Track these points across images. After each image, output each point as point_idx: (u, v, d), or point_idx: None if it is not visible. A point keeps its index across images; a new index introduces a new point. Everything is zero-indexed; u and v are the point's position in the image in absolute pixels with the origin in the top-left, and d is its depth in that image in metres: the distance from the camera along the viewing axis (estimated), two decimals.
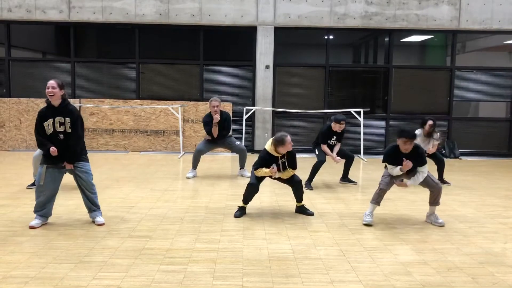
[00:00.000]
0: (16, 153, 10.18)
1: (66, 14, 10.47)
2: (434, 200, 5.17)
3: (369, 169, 9.04)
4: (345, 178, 7.40)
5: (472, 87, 11.19)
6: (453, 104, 11.10)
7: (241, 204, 5.40)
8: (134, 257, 3.95)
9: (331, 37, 11.06)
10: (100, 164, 8.68)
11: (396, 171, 5.10)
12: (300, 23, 10.58)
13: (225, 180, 7.46)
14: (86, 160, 4.90)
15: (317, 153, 7.11)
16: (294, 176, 5.38)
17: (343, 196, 6.45)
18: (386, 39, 11.11)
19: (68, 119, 4.68)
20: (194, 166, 7.68)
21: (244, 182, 7.34)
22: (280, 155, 5.19)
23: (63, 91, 4.70)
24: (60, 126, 4.68)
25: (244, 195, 5.36)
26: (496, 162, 10.22)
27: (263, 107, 10.70)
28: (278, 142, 5.08)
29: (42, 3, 10.42)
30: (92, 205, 4.92)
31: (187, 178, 7.54)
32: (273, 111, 10.81)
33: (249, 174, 6.71)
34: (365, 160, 10.08)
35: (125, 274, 3.60)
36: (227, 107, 10.35)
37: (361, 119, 10.38)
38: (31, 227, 4.70)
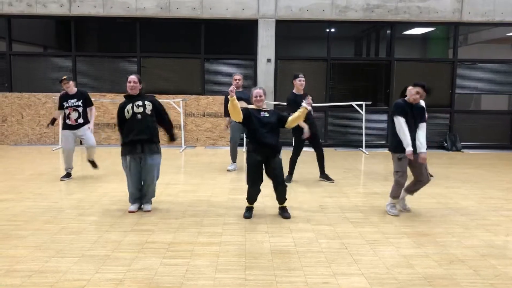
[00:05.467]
0: (18, 147, 10.20)
1: (66, 8, 10.44)
2: (413, 189, 5.25)
3: (370, 162, 9.03)
4: (322, 174, 6.98)
5: (474, 80, 11.15)
6: (455, 97, 11.06)
7: (247, 203, 5.14)
8: (137, 250, 3.97)
9: (332, 30, 11.02)
10: (103, 158, 8.69)
11: (408, 149, 4.99)
12: (302, 16, 10.53)
13: (227, 174, 7.47)
14: (158, 152, 5.19)
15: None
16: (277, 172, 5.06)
17: (344, 190, 6.46)
18: (388, 31, 11.06)
19: (148, 103, 5.12)
20: (233, 159, 7.78)
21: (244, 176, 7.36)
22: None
23: (141, 85, 5.18)
24: (138, 108, 5.07)
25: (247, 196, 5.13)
26: (498, 155, 10.20)
27: (265, 101, 10.66)
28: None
29: None
30: (145, 195, 5.21)
31: (228, 170, 7.65)
32: (274, 104, 10.79)
33: None
34: (367, 153, 10.07)
35: (128, 267, 3.61)
36: None
37: (363, 112, 10.35)
38: (130, 211, 5.09)
